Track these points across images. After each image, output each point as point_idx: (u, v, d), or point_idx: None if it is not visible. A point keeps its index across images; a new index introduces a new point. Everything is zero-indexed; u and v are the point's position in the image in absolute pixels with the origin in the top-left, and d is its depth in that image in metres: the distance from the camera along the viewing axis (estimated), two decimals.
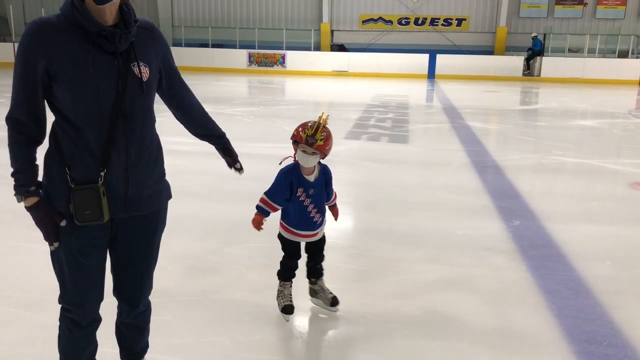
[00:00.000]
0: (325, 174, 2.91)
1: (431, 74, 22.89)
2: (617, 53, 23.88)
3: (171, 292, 3.30)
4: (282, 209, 2.93)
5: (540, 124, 11.96)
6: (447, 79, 22.05)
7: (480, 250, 4.16)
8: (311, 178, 2.83)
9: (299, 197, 2.81)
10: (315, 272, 3.09)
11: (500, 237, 4.45)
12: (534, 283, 3.58)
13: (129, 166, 1.90)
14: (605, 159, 7.89)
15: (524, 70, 22.90)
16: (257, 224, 2.86)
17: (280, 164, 2.83)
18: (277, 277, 3.09)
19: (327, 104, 15.16)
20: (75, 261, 1.93)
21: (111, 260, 2.09)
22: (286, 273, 3.05)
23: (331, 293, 3.10)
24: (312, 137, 2.65)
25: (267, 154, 7.49)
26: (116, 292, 2.15)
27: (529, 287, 3.53)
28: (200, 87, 16.72)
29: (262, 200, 2.87)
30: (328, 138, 2.71)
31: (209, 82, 18.77)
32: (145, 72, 1.91)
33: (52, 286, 2.08)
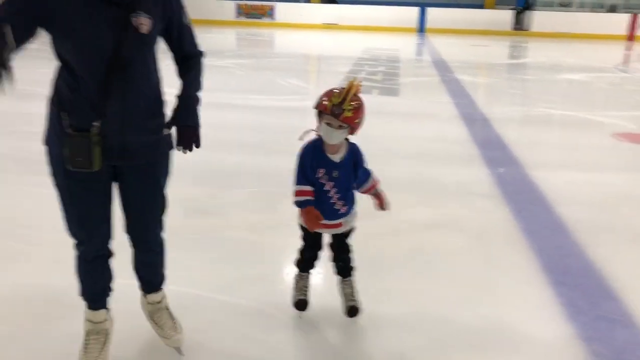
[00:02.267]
0: (354, 155, 2.39)
1: (421, 27, 22.73)
2: (606, 7, 23.83)
3: (174, 231, 3.44)
4: None
5: (528, 77, 12.09)
6: (437, 33, 21.94)
7: (467, 194, 4.38)
8: (336, 157, 2.35)
9: (319, 179, 2.35)
10: (342, 271, 2.64)
11: (486, 183, 4.66)
12: (516, 224, 3.80)
13: (125, 117, 1.93)
14: (591, 111, 8.08)
15: (513, 24, 22.81)
16: (311, 218, 2.34)
17: (300, 139, 2.38)
18: (295, 265, 2.67)
19: (318, 57, 15.13)
20: (73, 202, 2.02)
21: (119, 201, 2.16)
22: (304, 263, 2.65)
23: (353, 299, 2.62)
24: (339, 106, 2.20)
25: (261, 106, 7.61)
26: (126, 231, 2.23)
27: (511, 227, 3.76)
28: None
29: (295, 193, 2.38)
30: (359, 109, 2.24)
31: (197, 33, 18.53)
32: (146, 24, 1.88)
33: (63, 226, 2.19)
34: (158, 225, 2.25)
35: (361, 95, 2.29)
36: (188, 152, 2.12)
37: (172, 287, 2.83)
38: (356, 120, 2.25)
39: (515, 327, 2.62)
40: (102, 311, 2.26)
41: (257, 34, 19.91)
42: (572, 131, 7.12)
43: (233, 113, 7.02)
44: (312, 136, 2.37)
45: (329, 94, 2.25)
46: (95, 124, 1.88)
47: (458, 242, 3.53)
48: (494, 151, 5.70)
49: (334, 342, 2.54)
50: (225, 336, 2.49)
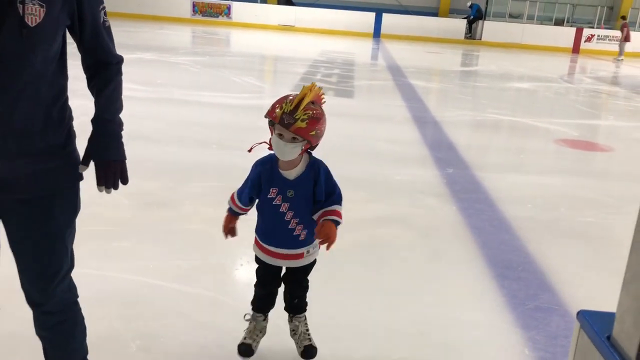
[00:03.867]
0: (314, 172, 2.03)
1: (377, 32, 23.08)
2: (553, 20, 24.84)
3: (129, 223, 3.48)
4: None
5: (478, 84, 12.47)
6: (392, 39, 22.33)
7: (416, 193, 4.52)
8: (291, 174, 2.02)
9: (273, 200, 2.04)
10: (292, 307, 2.31)
11: (435, 182, 4.83)
12: (462, 221, 3.97)
13: None
14: (537, 118, 8.43)
15: (465, 34, 23.45)
16: (226, 224, 2.20)
17: (249, 151, 2.08)
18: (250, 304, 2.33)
19: (274, 57, 15.16)
20: None
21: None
22: (257, 301, 2.30)
23: (308, 339, 2.31)
24: (291, 115, 1.88)
25: (216, 103, 7.60)
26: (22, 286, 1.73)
27: (458, 224, 3.92)
28: (142, 35, 16.32)
29: (231, 196, 2.20)
30: (316, 120, 1.90)
31: (151, 29, 18.28)
32: (35, 14, 1.46)
33: None
34: (58, 283, 1.70)
35: (323, 104, 2.00)
36: (112, 190, 1.71)
37: (128, 276, 2.87)
38: (311, 133, 1.90)
39: (459, 315, 2.75)
40: None
41: (213, 33, 19.77)
42: (519, 136, 7.41)
43: (187, 109, 6.98)
44: (265, 147, 2.03)
45: (282, 99, 1.94)
46: None
47: (407, 238, 3.66)
48: (444, 153, 5.90)
49: None
50: (181, 323, 2.51)
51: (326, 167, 2.07)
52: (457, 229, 3.84)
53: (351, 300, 2.81)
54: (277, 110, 1.91)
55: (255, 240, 2.18)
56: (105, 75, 1.69)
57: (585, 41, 22.85)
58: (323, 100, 2.00)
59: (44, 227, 1.63)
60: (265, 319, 2.32)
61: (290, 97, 1.93)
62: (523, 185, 4.95)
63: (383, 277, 3.11)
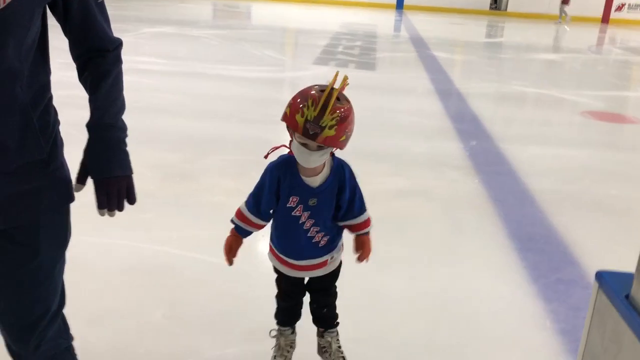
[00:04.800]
0: (339, 175, 1.78)
1: (399, 4, 22.69)
2: None
3: (151, 194, 3.52)
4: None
5: (503, 56, 12.24)
6: (415, 10, 21.94)
7: (438, 165, 4.48)
8: (314, 181, 1.75)
9: (292, 210, 1.77)
10: (321, 320, 2.05)
11: (458, 155, 4.78)
12: (485, 193, 3.93)
13: None
14: (563, 90, 8.26)
15: (491, 4, 22.92)
16: (228, 247, 1.90)
17: (265, 157, 1.79)
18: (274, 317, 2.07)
19: (296, 30, 15.04)
20: None
21: None
22: (281, 314, 2.05)
23: (342, 357, 2.06)
24: (316, 122, 1.56)
25: (236, 76, 7.59)
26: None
27: (480, 196, 3.88)
28: (163, 9, 16.30)
29: (237, 211, 1.87)
30: (343, 120, 1.60)
31: (172, 3, 18.23)
32: None
33: None
34: (47, 329, 1.38)
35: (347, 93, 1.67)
36: (116, 212, 1.40)
37: (152, 246, 2.92)
38: (342, 138, 1.61)
39: (480, 287, 2.75)
40: None
41: (234, 6, 19.65)
42: (544, 108, 7.28)
43: (207, 82, 6.99)
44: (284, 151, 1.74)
45: (302, 99, 1.59)
46: None
47: (429, 210, 3.64)
48: (467, 125, 5.83)
49: None
50: (204, 291, 2.56)
51: (350, 168, 1.82)
52: (480, 201, 3.80)
53: (371, 272, 2.82)
54: (298, 117, 1.57)
55: (271, 250, 1.91)
56: (100, 66, 1.35)
57: (615, 10, 22.18)
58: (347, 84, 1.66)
59: (27, 262, 1.31)
60: (294, 331, 2.08)
61: (312, 95, 1.58)
62: (547, 158, 4.87)
63: (403, 248, 3.11)
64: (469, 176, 4.26)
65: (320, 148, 1.63)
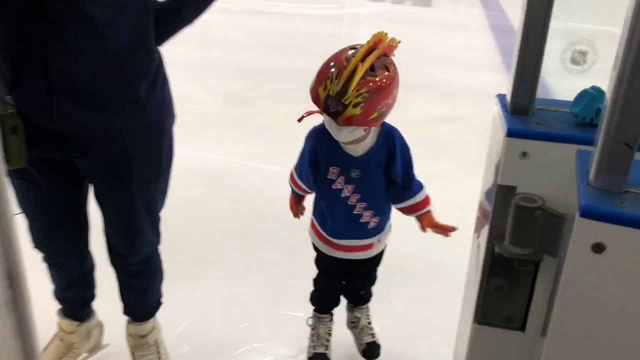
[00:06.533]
0: (387, 143, 1.58)
1: None
2: None
3: (215, 116, 4.00)
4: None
5: None
6: None
7: (481, 95, 4.67)
8: (357, 149, 1.57)
9: (333, 182, 1.61)
10: (355, 298, 1.95)
11: (502, 86, 4.94)
12: None
13: (53, 92, 1.31)
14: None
15: None
16: (290, 205, 1.87)
17: (299, 120, 1.54)
18: (309, 301, 1.94)
19: None
20: (23, 206, 1.56)
21: None
22: (320, 299, 1.92)
23: (371, 334, 1.95)
24: (337, 99, 1.35)
25: (296, 13, 7.86)
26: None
27: None
28: None
29: (290, 172, 1.78)
30: (376, 94, 1.37)
31: None
32: None
33: None
34: (140, 237, 1.67)
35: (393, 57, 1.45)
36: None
37: (216, 155, 3.41)
38: (372, 116, 1.38)
39: None
40: (67, 321, 1.85)
41: None
42: (602, 45, 7.20)
43: (264, 19, 7.33)
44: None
45: (326, 72, 1.39)
46: (8, 99, 1.30)
47: (465, 134, 3.93)
48: None
49: None
50: (261, 193, 3.02)
51: (400, 134, 1.60)
52: None
53: None
54: (320, 90, 1.37)
55: (312, 225, 1.77)
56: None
57: None
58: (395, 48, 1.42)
59: (123, 190, 1.54)
60: (332, 319, 1.95)
61: (338, 67, 1.36)
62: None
63: (436, 166, 3.43)
64: None
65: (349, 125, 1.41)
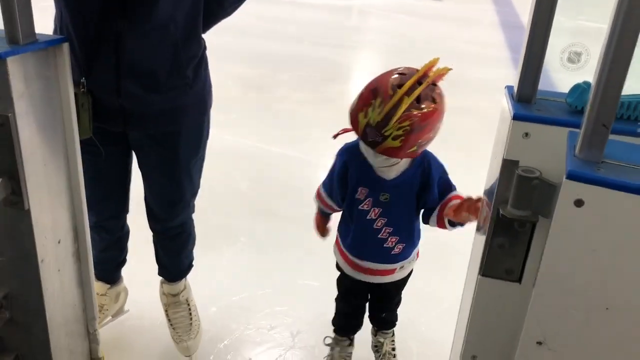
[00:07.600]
0: (422, 168, 1.54)
1: None
2: None
3: (233, 101, 4.19)
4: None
5: None
6: None
7: (492, 89, 4.81)
8: (390, 172, 1.52)
9: (360, 203, 1.56)
10: (377, 321, 1.89)
11: (510, 81, 5.12)
12: None
13: (122, 73, 1.51)
14: None
15: None
16: (316, 225, 1.82)
17: (334, 137, 1.49)
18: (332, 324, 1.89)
19: None
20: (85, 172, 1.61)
21: None
22: (339, 321, 1.86)
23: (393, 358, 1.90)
24: (378, 129, 1.30)
25: (311, 3, 8.03)
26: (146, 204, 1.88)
27: None
28: None
29: (317, 189, 1.73)
30: (418, 130, 1.32)
31: None
32: None
33: None
34: (178, 207, 1.86)
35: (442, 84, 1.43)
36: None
37: (236, 138, 3.60)
38: (411, 149, 1.34)
39: None
40: (100, 283, 2.01)
41: None
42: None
43: (280, 7, 7.51)
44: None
45: (367, 95, 1.32)
46: (82, 80, 1.49)
47: (473, 125, 4.10)
48: None
49: None
50: (279, 174, 3.23)
51: (437, 160, 1.56)
52: None
53: None
54: (361, 116, 1.31)
55: (337, 242, 1.72)
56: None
57: None
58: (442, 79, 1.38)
59: (169, 159, 1.72)
60: (352, 343, 1.86)
61: (383, 95, 1.28)
62: None
63: (446, 153, 3.60)
64: None
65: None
